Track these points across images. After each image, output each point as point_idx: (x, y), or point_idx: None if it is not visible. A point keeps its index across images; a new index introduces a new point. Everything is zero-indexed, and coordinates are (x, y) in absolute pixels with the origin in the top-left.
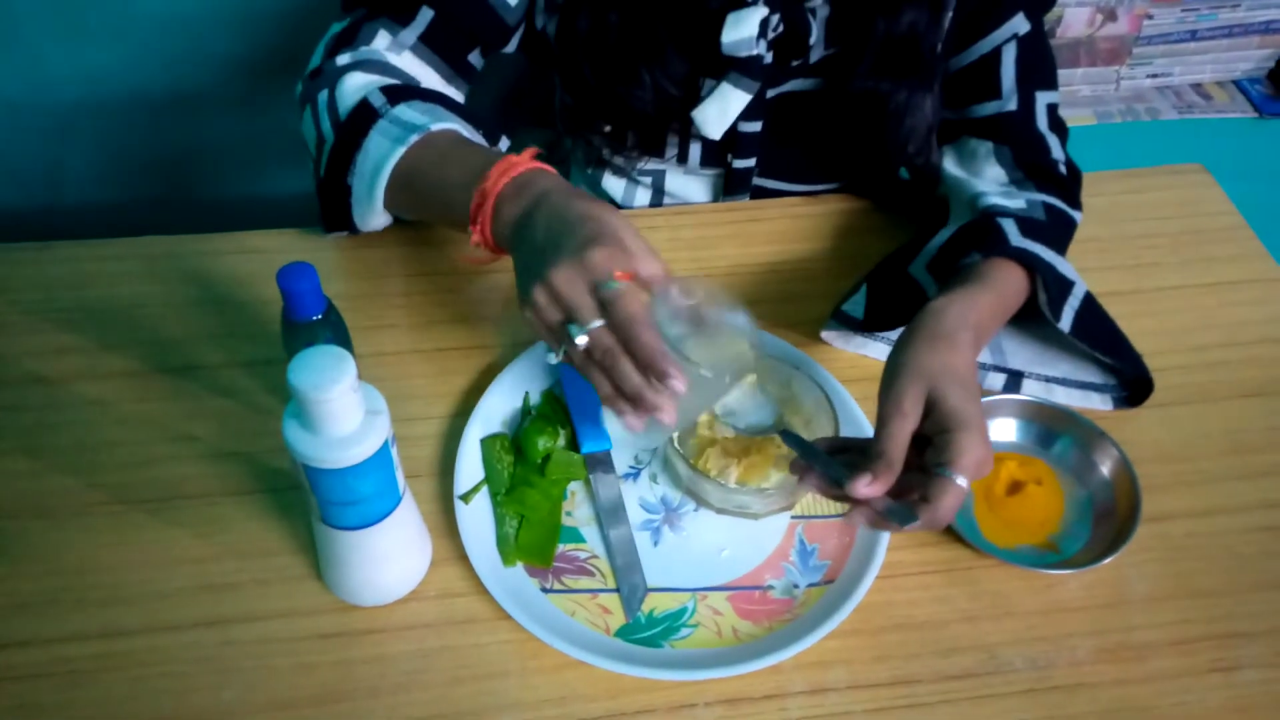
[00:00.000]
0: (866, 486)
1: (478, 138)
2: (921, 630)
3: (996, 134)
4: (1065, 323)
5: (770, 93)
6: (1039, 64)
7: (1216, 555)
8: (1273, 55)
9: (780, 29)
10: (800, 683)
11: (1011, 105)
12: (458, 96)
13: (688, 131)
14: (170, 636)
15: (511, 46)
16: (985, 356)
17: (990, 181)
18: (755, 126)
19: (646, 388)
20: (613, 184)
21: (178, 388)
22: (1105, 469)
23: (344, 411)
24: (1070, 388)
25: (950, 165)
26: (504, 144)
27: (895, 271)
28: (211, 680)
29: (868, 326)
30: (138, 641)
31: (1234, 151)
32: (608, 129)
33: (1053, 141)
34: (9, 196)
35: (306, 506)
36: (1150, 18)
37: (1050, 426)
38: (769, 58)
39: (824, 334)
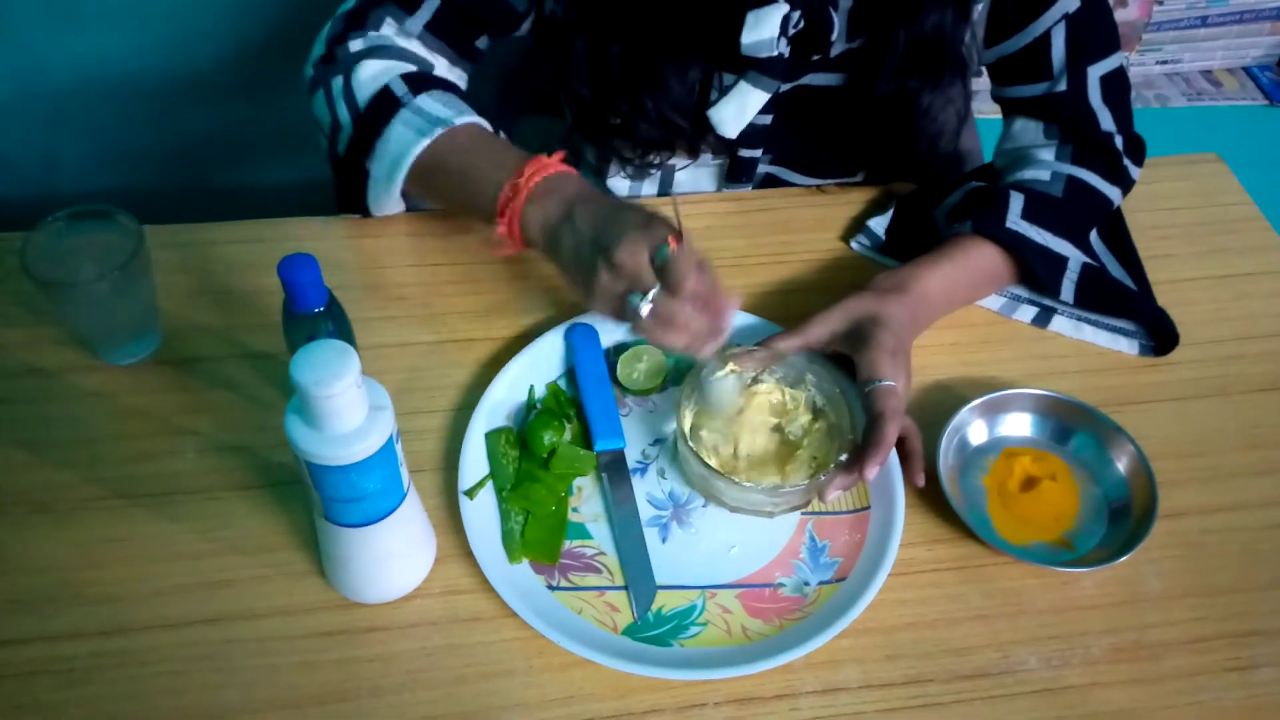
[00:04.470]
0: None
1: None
2: (934, 629)
3: (1046, 113)
4: (1067, 294)
5: (785, 86)
6: (1091, 36)
7: (1232, 552)
8: None
9: (801, 25)
10: (811, 682)
11: (1061, 85)
12: (462, 80)
13: (702, 130)
14: (169, 634)
15: (523, 30)
16: (1020, 290)
17: (1033, 161)
18: (766, 119)
19: (705, 333)
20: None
21: (177, 380)
22: (1121, 465)
23: (347, 408)
24: (1099, 328)
25: (1000, 142)
26: (502, 137)
27: (923, 208)
28: (211, 679)
29: (886, 249)
30: (136, 639)
31: (1244, 139)
32: (618, 121)
33: (1104, 115)
34: (3, 185)
35: (309, 502)
36: (1161, 3)
37: (1066, 422)
38: (787, 53)
39: (853, 243)
